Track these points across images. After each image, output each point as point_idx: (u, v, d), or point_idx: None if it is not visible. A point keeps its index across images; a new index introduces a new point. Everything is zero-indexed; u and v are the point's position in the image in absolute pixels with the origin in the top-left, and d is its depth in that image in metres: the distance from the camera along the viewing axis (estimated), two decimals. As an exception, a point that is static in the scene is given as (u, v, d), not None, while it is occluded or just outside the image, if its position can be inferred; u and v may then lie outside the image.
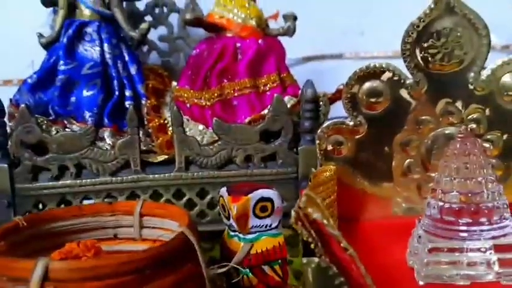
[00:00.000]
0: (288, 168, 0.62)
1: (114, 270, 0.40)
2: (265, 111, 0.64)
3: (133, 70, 0.68)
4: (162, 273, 0.42)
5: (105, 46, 0.67)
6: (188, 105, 0.67)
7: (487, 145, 0.53)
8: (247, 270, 0.52)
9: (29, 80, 0.65)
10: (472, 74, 0.52)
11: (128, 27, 0.69)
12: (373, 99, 0.53)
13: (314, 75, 0.95)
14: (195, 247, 0.45)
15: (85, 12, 0.67)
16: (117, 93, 0.67)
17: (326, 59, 0.97)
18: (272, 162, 0.63)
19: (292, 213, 0.38)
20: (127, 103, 0.67)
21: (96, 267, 0.40)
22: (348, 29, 0.95)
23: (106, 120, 0.65)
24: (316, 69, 0.96)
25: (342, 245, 0.36)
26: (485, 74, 0.52)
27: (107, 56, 0.67)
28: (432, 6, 0.50)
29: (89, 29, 0.67)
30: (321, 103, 0.63)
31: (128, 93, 0.67)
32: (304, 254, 0.39)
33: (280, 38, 0.71)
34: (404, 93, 0.53)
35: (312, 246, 0.38)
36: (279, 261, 0.52)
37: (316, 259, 0.37)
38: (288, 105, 0.65)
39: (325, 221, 0.35)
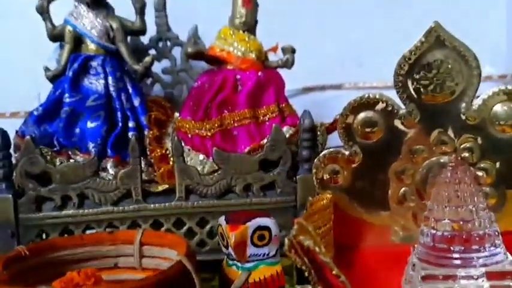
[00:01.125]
0: (287, 196, 0.63)
1: (113, 298, 0.41)
2: (264, 141, 0.65)
3: (136, 102, 0.71)
4: (159, 301, 0.43)
5: (110, 79, 0.69)
6: (190, 135, 0.69)
7: (480, 173, 0.54)
8: (246, 299, 0.53)
9: (35, 112, 0.67)
10: (463, 104, 0.53)
11: (132, 61, 0.72)
12: (367, 129, 0.54)
13: (314, 105, 0.97)
14: (193, 276, 0.46)
15: (90, 47, 0.70)
16: (120, 124, 0.69)
17: (326, 90, 0.99)
18: (271, 191, 0.64)
19: (286, 241, 0.39)
20: (130, 134, 0.68)
21: (94, 295, 0.41)
22: (347, 60, 0.97)
23: (109, 151, 0.67)
24: (317, 99, 0.98)
25: (333, 272, 0.37)
26: (476, 104, 0.53)
27: (111, 88, 0.69)
28: (423, 39, 0.52)
29: (94, 63, 0.69)
30: (318, 133, 0.65)
31: (131, 124, 0.69)
32: (299, 282, 0.40)
33: (280, 69, 0.74)
34: (398, 123, 0.54)
35: (306, 273, 0.39)
36: (277, 289, 0.53)
37: (309, 286, 0.38)
38: (287, 135, 0.67)
39: (317, 249, 0.36)
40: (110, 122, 0.68)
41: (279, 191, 0.63)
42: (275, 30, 0.79)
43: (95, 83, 0.69)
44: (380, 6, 0.95)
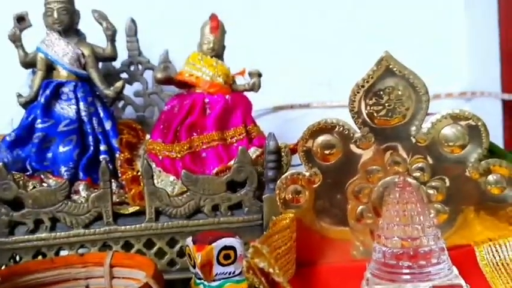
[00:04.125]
0: (254, 215, 0.66)
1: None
2: (232, 162, 0.68)
3: (107, 125, 0.73)
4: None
5: (81, 104, 0.72)
6: (160, 157, 0.71)
7: (431, 191, 0.57)
8: (212, 316, 0.55)
9: (8, 138, 0.69)
10: (413, 128, 0.57)
11: (103, 86, 0.74)
12: (326, 152, 0.58)
13: (284, 124, 1.01)
14: (159, 296, 0.48)
15: (62, 73, 0.72)
16: (92, 148, 0.71)
17: (295, 109, 1.02)
18: (238, 210, 0.66)
19: (244, 262, 0.42)
20: (101, 157, 0.71)
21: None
22: (315, 80, 1.01)
23: (81, 174, 0.69)
24: (286, 118, 1.01)
25: (287, 291, 0.40)
26: (426, 127, 0.57)
27: (83, 113, 0.72)
28: (374, 68, 0.55)
29: (66, 89, 0.72)
30: (283, 154, 0.68)
31: (102, 147, 0.72)
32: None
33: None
34: (354, 145, 0.57)
35: (264, 292, 0.42)
36: (242, 306, 0.55)
37: (266, 305, 0.40)
38: (253, 156, 0.70)
39: (271, 270, 0.39)
40: (81, 146, 0.70)
41: (246, 210, 0.66)
42: (243, 53, 0.83)
43: (66, 108, 0.71)
44: (348, 28, 0.99)
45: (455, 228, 0.58)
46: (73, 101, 0.71)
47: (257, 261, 0.39)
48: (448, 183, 0.57)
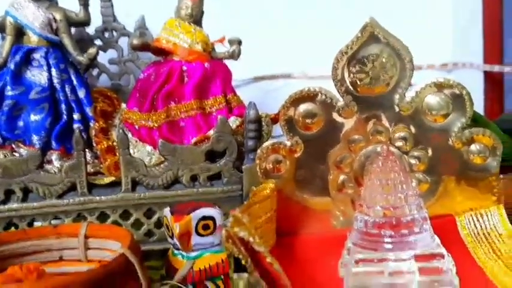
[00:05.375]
0: (233, 186, 0.65)
1: (54, 292, 0.42)
2: (211, 132, 0.66)
3: (81, 93, 0.70)
4: (102, 294, 0.44)
5: (53, 71, 0.69)
6: (137, 126, 0.69)
7: (413, 161, 0.56)
8: (191, 287, 0.54)
9: (-24, 106, 0.66)
10: (397, 96, 0.56)
11: (76, 52, 0.71)
12: (308, 121, 0.56)
13: (265, 94, 0.99)
14: (136, 267, 0.47)
15: (33, 39, 0.69)
16: (65, 116, 0.68)
17: (276, 79, 1.01)
18: (218, 181, 0.65)
19: (223, 231, 0.41)
20: (75, 126, 0.68)
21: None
22: (297, 49, 0.99)
23: (54, 143, 0.67)
24: (268, 88, 0.99)
25: (267, 260, 0.39)
26: (409, 96, 0.56)
27: (55, 80, 0.69)
28: (359, 34, 0.54)
29: (37, 55, 0.68)
30: (264, 123, 0.66)
31: (76, 116, 0.69)
32: (236, 270, 0.41)
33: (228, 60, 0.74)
34: (336, 114, 0.56)
35: (243, 262, 0.41)
36: (221, 276, 0.54)
37: (246, 274, 0.39)
38: (233, 126, 0.68)
39: (251, 239, 0.38)
40: (54, 114, 0.68)
41: (226, 181, 0.65)
42: (223, 21, 0.80)
43: (37, 75, 0.68)
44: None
45: (437, 198, 0.58)
46: (44, 68, 0.68)
47: (237, 231, 0.38)
48: (430, 153, 0.57)
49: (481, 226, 0.54)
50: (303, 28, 0.97)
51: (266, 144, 0.57)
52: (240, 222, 0.40)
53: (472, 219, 0.55)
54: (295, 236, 0.58)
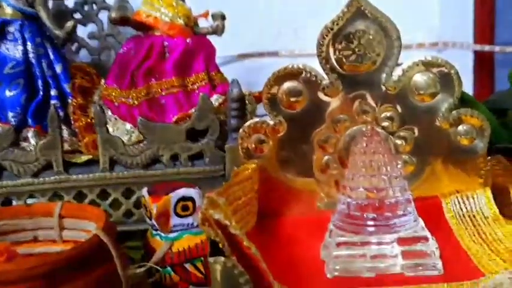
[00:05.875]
0: (215, 166, 0.63)
1: (22, 275, 0.40)
2: (193, 110, 0.64)
3: (58, 69, 0.68)
4: (74, 276, 0.43)
5: (29, 45, 0.66)
6: (116, 104, 0.67)
7: (399, 142, 0.55)
8: (169, 268, 0.53)
9: None
10: (384, 75, 0.54)
11: (53, 25, 0.68)
12: (292, 99, 0.54)
13: (250, 73, 0.97)
14: (110, 249, 0.45)
15: (7, 11, 0.66)
16: (41, 92, 0.66)
17: (262, 57, 0.98)
18: (199, 160, 0.63)
19: (199, 214, 0.39)
20: (52, 102, 0.66)
21: (3, 272, 0.40)
22: (283, 27, 0.97)
23: (30, 120, 0.65)
24: (253, 66, 0.97)
25: (244, 243, 0.37)
26: (396, 74, 0.54)
27: (31, 55, 0.66)
28: (345, 9, 0.52)
29: (11, 28, 0.66)
30: (247, 101, 0.64)
31: (53, 92, 0.67)
32: (213, 253, 0.40)
33: (215, 36, 0.72)
34: (321, 93, 0.54)
35: (220, 245, 0.39)
36: (201, 258, 0.53)
37: (222, 258, 0.38)
38: (216, 104, 0.66)
39: (226, 222, 0.36)
40: (30, 90, 0.66)
41: (207, 161, 0.63)
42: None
43: (12, 49, 0.66)
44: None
45: (422, 180, 0.56)
46: (19, 42, 0.66)
47: (212, 213, 0.37)
48: (416, 134, 0.55)
49: (466, 208, 0.53)
50: (291, 4, 0.94)
51: (248, 123, 0.55)
52: (215, 204, 0.38)
53: (458, 201, 0.53)
54: (278, 217, 0.56)
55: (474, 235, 0.50)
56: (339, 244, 0.46)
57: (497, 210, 0.52)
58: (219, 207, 0.38)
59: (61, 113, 0.65)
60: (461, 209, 0.53)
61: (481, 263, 0.45)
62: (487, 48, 0.97)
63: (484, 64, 1.00)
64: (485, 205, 0.53)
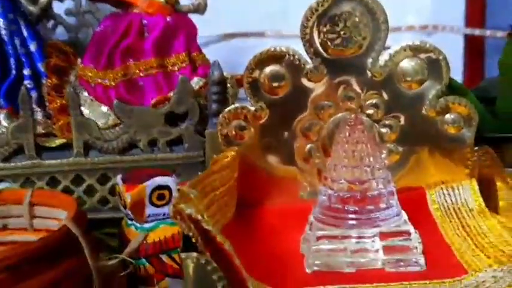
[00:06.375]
0: (195, 152, 0.61)
1: (-16, 268, 0.38)
2: (172, 93, 0.62)
3: (32, 47, 0.65)
4: (41, 269, 0.41)
5: (0, 21, 0.63)
6: (92, 84, 0.64)
7: (384, 130, 0.53)
8: (144, 260, 0.51)
9: None
10: (370, 60, 0.52)
11: (26, 1, 0.65)
12: (274, 84, 0.52)
13: (235, 54, 0.94)
14: (80, 240, 0.43)
15: (-25, -16, 0.63)
16: (14, 72, 0.64)
17: (248, 37, 0.95)
18: (178, 146, 0.61)
19: (171, 207, 0.37)
20: (25, 82, 0.63)
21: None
22: (270, 7, 0.94)
23: (1, 101, 0.62)
24: (238, 47, 0.94)
25: (218, 239, 0.35)
26: (383, 59, 0.52)
27: (3, 32, 0.63)
28: (331, -11, 0.49)
29: (-19, 3, 0.62)
30: (229, 85, 0.62)
31: (26, 71, 0.64)
32: (186, 246, 0.38)
33: (197, 14, 0.69)
34: (304, 78, 0.52)
35: (194, 240, 0.37)
36: (178, 249, 0.51)
37: (195, 254, 0.36)
38: (197, 87, 0.64)
39: (198, 217, 0.34)
40: (1, 69, 0.63)
41: (187, 146, 0.61)
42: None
43: (-18, 25, 0.62)
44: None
45: (408, 170, 0.55)
46: (-10, 18, 0.62)
47: (183, 207, 0.35)
48: (402, 122, 0.53)
49: (451, 200, 0.51)
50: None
51: (228, 109, 0.53)
52: (187, 198, 0.36)
53: (443, 193, 0.52)
54: (258, 207, 0.54)
55: (458, 228, 0.48)
56: (319, 238, 0.44)
57: (482, 203, 0.50)
58: (191, 200, 0.36)
59: (35, 94, 0.63)
60: (446, 201, 0.51)
61: (464, 258, 0.44)
62: (477, 32, 0.95)
63: (474, 49, 0.98)
64: (470, 197, 0.51)
